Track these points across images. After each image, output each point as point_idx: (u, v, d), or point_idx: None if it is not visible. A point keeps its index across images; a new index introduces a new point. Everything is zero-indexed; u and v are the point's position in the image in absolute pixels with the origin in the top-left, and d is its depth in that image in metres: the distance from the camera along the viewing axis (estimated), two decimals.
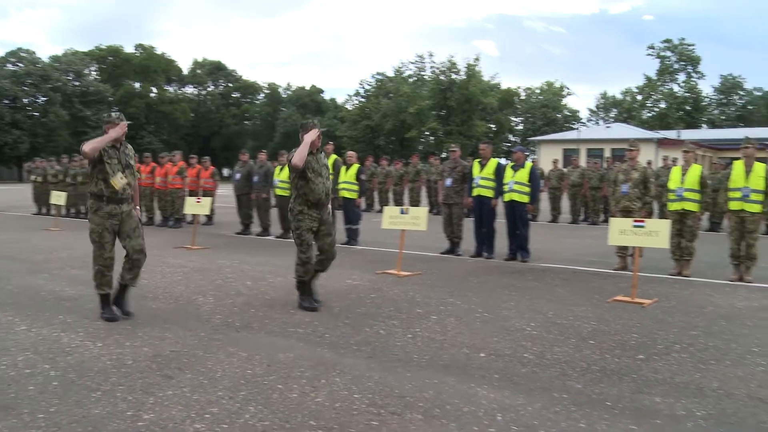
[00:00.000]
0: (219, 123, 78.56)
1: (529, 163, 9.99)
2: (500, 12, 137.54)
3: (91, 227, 5.72)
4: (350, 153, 12.30)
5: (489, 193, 9.89)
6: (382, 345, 5.08)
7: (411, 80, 67.08)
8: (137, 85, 72.64)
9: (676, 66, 74.65)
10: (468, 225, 10.57)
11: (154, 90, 73.47)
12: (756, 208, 8.12)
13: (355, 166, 11.62)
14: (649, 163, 18.02)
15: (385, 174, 20.96)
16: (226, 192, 20.99)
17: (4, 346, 4.93)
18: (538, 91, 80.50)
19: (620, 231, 7.25)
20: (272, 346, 5.01)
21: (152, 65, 73.28)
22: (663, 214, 13.83)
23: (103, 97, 66.19)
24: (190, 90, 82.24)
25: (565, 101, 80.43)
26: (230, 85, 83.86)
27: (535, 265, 9.34)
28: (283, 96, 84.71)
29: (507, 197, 9.78)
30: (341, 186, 11.43)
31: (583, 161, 24.53)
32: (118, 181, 5.64)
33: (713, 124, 73.41)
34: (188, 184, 15.33)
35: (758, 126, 62.61)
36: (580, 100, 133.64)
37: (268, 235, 13.16)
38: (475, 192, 9.98)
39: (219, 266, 8.93)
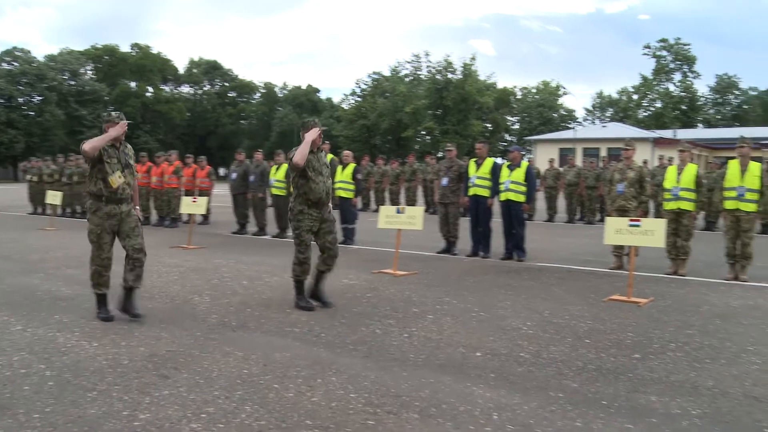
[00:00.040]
0: (215, 122, 78.45)
1: (525, 163, 10.00)
2: (497, 11, 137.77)
3: (89, 227, 5.70)
4: (346, 152, 12.31)
5: (485, 193, 9.89)
6: (379, 344, 5.08)
7: (407, 80, 67.06)
8: (133, 84, 72.48)
9: (671, 65, 74.82)
10: (464, 224, 10.57)
11: (150, 89, 73.31)
12: (751, 207, 8.14)
13: (351, 166, 11.63)
14: (645, 162, 18.10)
15: (381, 173, 20.97)
16: (222, 191, 20.98)
17: (0, 346, 4.92)
18: (534, 90, 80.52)
19: (616, 230, 7.26)
20: (268, 345, 5.01)
21: (148, 64, 73.12)
22: (659, 214, 13.85)
23: (99, 97, 66.02)
24: (186, 89, 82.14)
25: (561, 101, 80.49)
26: (226, 84, 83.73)
27: (531, 265, 9.35)
28: (280, 95, 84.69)
29: (503, 196, 9.79)
30: (337, 185, 11.44)
31: (579, 160, 24.50)
32: (116, 179, 5.62)
33: (709, 124, 73.56)
34: (184, 183, 15.30)
35: (753, 125, 62.76)
36: (577, 99, 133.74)
37: (265, 234, 13.15)
38: (471, 191, 9.98)
39: (215, 266, 8.93)
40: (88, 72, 71.19)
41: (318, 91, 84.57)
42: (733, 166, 8.35)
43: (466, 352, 4.91)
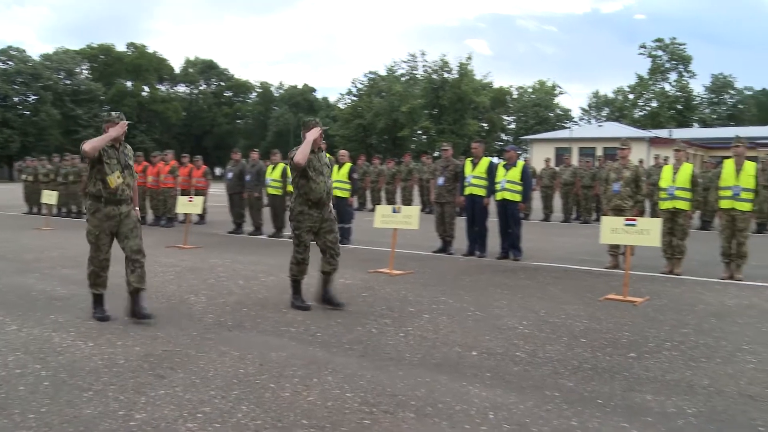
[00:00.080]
0: (211, 122, 78.35)
1: (521, 162, 10.01)
2: (493, 11, 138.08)
3: (88, 228, 5.68)
4: (342, 152, 12.30)
5: (481, 192, 9.90)
6: (375, 344, 5.08)
7: (403, 79, 67.12)
8: (129, 83, 72.37)
9: (667, 65, 74.96)
10: (460, 224, 10.58)
11: (146, 89, 73.18)
12: (746, 206, 8.16)
13: (347, 165, 11.62)
14: (640, 161, 18.14)
15: (377, 173, 20.95)
16: (218, 191, 20.93)
17: None
18: (530, 90, 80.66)
19: (612, 229, 7.27)
20: (264, 345, 5.01)
21: (144, 64, 72.99)
22: (654, 213, 13.89)
23: (95, 96, 65.89)
24: (182, 89, 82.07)
25: (557, 100, 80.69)
26: (222, 84, 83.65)
27: (527, 264, 9.36)
28: (276, 95, 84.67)
29: (499, 196, 9.80)
30: (333, 185, 11.39)
31: (575, 160, 24.57)
32: (114, 179, 5.59)
33: (704, 123, 73.77)
34: (180, 183, 15.29)
35: (749, 125, 63.01)
36: (573, 99, 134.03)
37: (261, 234, 13.14)
38: (467, 191, 9.99)
39: (211, 265, 8.91)
40: (84, 71, 71.05)
41: (314, 90, 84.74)
42: (729, 165, 8.37)
43: (462, 351, 4.91)
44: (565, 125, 70.05)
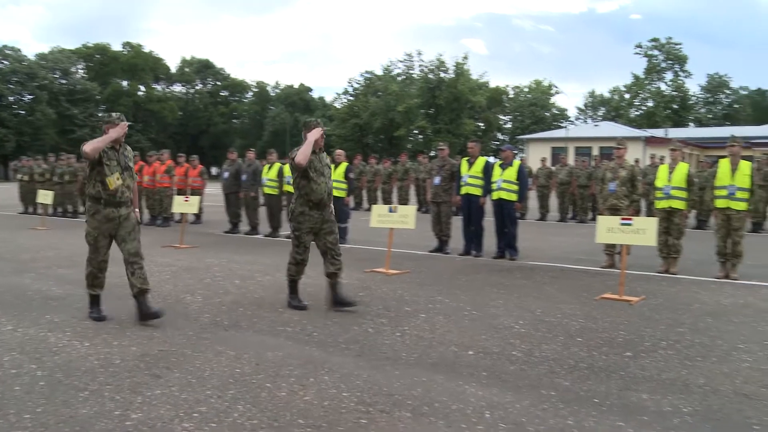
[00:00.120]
0: (207, 121, 78.25)
1: (517, 162, 10.02)
2: (489, 11, 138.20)
3: (87, 230, 5.66)
4: (339, 151, 12.27)
5: (477, 192, 9.91)
6: (371, 343, 5.08)
7: (399, 79, 67.05)
8: (125, 83, 72.21)
9: (663, 65, 75.17)
10: (456, 223, 10.59)
11: (142, 88, 73.08)
12: (742, 205, 8.19)
13: (344, 165, 11.60)
14: (636, 161, 18.14)
15: (373, 172, 20.95)
16: (214, 191, 20.91)
17: None
18: (526, 89, 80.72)
19: (608, 229, 7.29)
20: (261, 344, 5.00)
21: (140, 63, 72.85)
22: (650, 212, 13.90)
23: (91, 96, 65.73)
24: (178, 88, 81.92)
25: (553, 100, 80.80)
26: (218, 83, 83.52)
27: (523, 263, 9.37)
28: (272, 94, 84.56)
29: (495, 195, 9.81)
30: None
31: (571, 159, 24.60)
32: (114, 180, 5.57)
33: (700, 123, 73.97)
34: (176, 182, 15.24)
35: (744, 124, 63.23)
36: (569, 98, 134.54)
37: (257, 233, 13.12)
38: (464, 190, 10.00)
39: (207, 265, 8.90)
40: (80, 71, 70.91)
41: (310, 90, 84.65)
42: (724, 164, 8.39)
43: (459, 350, 4.91)
44: (561, 125, 70.14)
